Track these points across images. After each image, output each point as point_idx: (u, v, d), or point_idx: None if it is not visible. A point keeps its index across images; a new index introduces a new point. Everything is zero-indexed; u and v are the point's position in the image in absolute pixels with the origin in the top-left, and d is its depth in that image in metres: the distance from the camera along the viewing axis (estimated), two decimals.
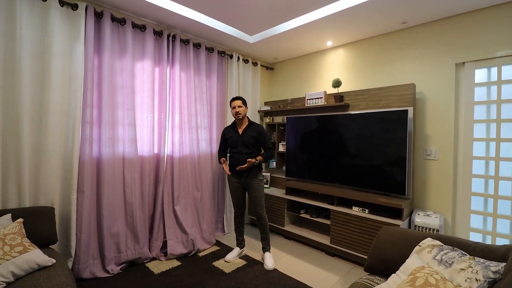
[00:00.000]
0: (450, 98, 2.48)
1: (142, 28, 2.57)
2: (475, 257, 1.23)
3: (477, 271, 1.14)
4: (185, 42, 2.90)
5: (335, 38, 3.05)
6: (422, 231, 2.38)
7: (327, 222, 2.81)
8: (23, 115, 1.97)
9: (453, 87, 2.46)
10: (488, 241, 2.36)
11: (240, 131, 2.59)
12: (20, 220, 1.69)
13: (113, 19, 2.39)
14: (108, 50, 2.35)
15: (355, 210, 2.61)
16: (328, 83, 3.30)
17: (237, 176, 2.59)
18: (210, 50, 3.15)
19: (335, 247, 2.69)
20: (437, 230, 2.32)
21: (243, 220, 2.74)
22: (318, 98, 3.16)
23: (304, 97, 3.33)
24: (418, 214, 2.48)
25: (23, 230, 1.65)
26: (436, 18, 2.53)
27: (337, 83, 2.96)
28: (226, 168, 2.60)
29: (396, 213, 2.43)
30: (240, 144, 2.54)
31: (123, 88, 2.45)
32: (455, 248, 1.33)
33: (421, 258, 1.35)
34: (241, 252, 2.72)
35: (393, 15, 2.48)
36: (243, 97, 2.94)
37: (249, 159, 2.43)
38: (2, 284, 1.39)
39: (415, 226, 2.43)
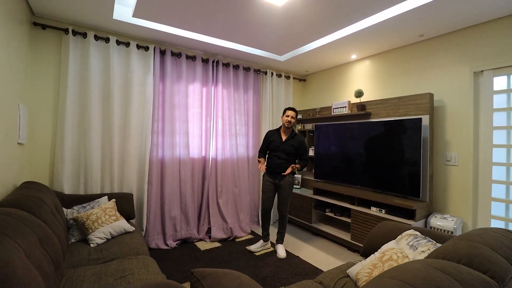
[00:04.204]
0: (469, 105, 2.57)
1: (193, 58, 3.29)
2: (437, 243, 1.50)
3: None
4: (226, 65, 3.55)
5: (358, 52, 3.34)
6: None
7: (349, 220, 3.10)
8: (114, 128, 2.83)
9: (472, 94, 2.55)
10: None
11: (284, 138, 2.91)
12: (113, 200, 2.49)
13: (172, 54, 3.16)
14: (169, 78, 3.12)
15: (373, 210, 2.86)
16: (353, 93, 3.57)
17: (272, 176, 2.91)
18: (247, 69, 3.75)
19: (355, 243, 2.97)
20: (451, 232, 2.45)
21: (269, 216, 3.01)
22: (342, 107, 3.47)
23: (331, 106, 3.67)
24: (435, 216, 2.62)
25: (116, 207, 2.44)
26: (452, 30, 2.65)
27: (358, 94, 3.24)
28: (262, 167, 2.92)
29: (410, 214, 2.62)
30: (281, 150, 2.86)
31: (179, 105, 3.20)
32: (427, 237, 1.61)
33: (398, 244, 1.66)
34: (264, 245, 2.99)
35: (411, 29, 2.68)
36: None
37: (293, 165, 2.82)
38: (104, 239, 2.16)
39: (430, 227, 2.58)
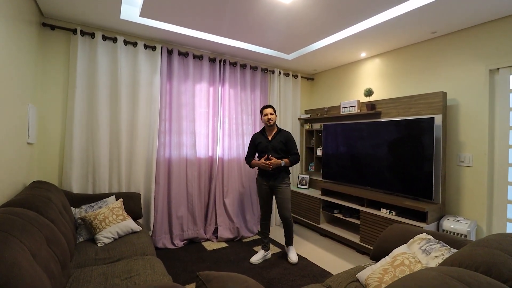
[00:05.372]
0: (484, 104, 2.48)
1: (200, 57, 3.28)
2: (451, 248, 1.44)
3: (446, 257, 1.37)
4: (233, 64, 3.53)
5: (368, 50, 3.26)
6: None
7: (358, 222, 3.04)
8: (122, 128, 2.84)
9: (487, 93, 2.46)
10: None
11: (270, 137, 2.78)
12: (121, 199, 2.49)
13: (179, 53, 3.15)
14: (176, 77, 3.12)
15: (383, 212, 2.79)
16: (362, 92, 3.50)
17: (265, 179, 2.77)
18: (254, 68, 3.71)
19: (364, 245, 2.91)
20: (465, 235, 2.36)
21: (269, 222, 2.88)
22: (352, 107, 3.40)
23: (340, 106, 3.60)
24: (448, 219, 2.54)
25: (123, 206, 2.45)
26: (466, 26, 2.56)
27: (368, 93, 3.17)
28: (262, 161, 2.69)
29: (422, 216, 2.54)
30: (270, 149, 2.71)
31: (186, 105, 3.19)
32: (440, 241, 1.55)
33: (410, 248, 1.60)
34: (265, 255, 2.78)
35: (423, 26, 2.59)
36: (274, 106, 3.28)
37: (273, 158, 2.62)
38: (111, 239, 2.16)
39: (443, 230, 2.50)
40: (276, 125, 2.85)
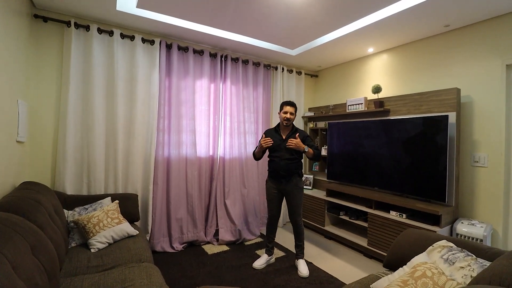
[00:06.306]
0: (501, 101, 2.34)
1: (200, 52, 3.14)
2: (478, 258, 1.31)
3: (473, 269, 1.24)
4: (235, 60, 3.39)
5: (376, 45, 3.12)
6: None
7: (366, 224, 2.91)
8: (119, 126, 2.71)
9: (504, 90, 2.32)
10: None
11: (284, 136, 2.53)
12: (117, 201, 2.36)
13: (179, 48, 3.01)
14: (175, 73, 2.98)
15: (393, 215, 2.66)
16: (370, 89, 3.36)
17: (276, 182, 2.55)
18: (257, 64, 3.57)
19: (372, 249, 2.78)
20: (481, 240, 2.23)
21: (275, 227, 2.71)
22: (358, 104, 3.27)
23: (345, 103, 3.46)
24: (462, 222, 2.41)
25: (119, 209, 2.32)
26: (481, 19, 2.42)
27: (376, 89, 3.03)
28: (267, 140, 2.44)
29: (435, 219, 2.41)
30: (283, 148, 2.47)
31: (186, 102, 3.05)
32: (464, 250, 1.41)
33: (430, 256, 1.47)
34: (269, 260, 2.66)
35: (435, 19, 2.46)
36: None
37: (297, 141, 2.35)
38: (105, 244, 2.03)
39: (457, 234, 2.37)
40: (293, 124, 2.61)
